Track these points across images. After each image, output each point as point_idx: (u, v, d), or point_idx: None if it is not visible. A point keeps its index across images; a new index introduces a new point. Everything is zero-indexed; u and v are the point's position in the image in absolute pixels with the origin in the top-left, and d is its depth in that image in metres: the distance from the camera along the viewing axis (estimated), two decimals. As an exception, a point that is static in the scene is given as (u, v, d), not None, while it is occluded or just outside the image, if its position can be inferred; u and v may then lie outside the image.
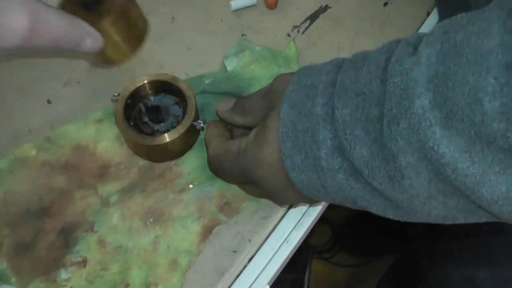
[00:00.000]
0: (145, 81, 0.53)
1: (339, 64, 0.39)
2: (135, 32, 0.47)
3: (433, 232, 0.81)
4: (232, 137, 0.49)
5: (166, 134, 0.51)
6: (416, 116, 0.31)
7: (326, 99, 0.37)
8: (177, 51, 0.60)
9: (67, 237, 0.50)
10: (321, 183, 0.38)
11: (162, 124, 0.53)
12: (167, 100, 0.54)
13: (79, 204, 0.51)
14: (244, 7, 0.63)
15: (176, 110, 0.54)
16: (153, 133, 0.53)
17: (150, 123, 0.53)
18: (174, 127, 0.52)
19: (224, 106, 0.48)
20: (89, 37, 0.43)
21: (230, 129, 0.50)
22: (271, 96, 0.43)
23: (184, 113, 0.53)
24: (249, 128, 0.47)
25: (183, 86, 0.53)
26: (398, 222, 0.39)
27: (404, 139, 0.32)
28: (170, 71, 0.58)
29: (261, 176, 0.42)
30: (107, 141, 0.55)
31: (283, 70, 0.56)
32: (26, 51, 0.41)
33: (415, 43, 0.34)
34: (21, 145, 0.54)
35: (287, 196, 0.43)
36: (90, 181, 0.53)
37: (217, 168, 0.47)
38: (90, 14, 0.44)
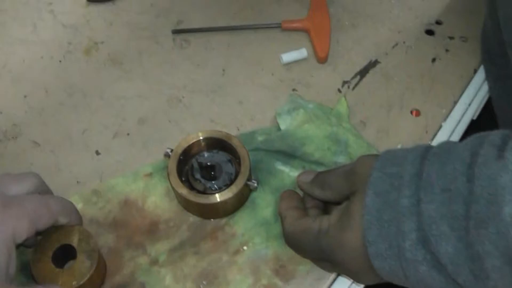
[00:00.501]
0: (199, 138, 0.53)
1: (423, 154, 0.40)
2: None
3: None
4: (305, 208, 0.49)
5: (219, 194, 0.50)
6: (504, 223, 0.32)
7: (412, 191, 0.38)
8: (228, 105, 0.60)
9: (116, 297, 0.49)
10: (404, 272, 0.39)
11: (214, 182, 0.52)
12: (219, 157, 0.53)
13: (127, 264, 0.50)
14: (295, 61, 0.62)
15: (229, 167, 0.53)
16: (205, 190, 0.52)
17: (202, 180, 0.52)
18: (226, 185, 0.51)
19: (305, 177, 0.48)
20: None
21: (303, 198, 0.50)
22: (353, 178, 0.43)
23: (237, 171, 0.52)
24: (325, 202, 0.47)
25: (237, 144, 0.52)
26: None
27: (492, 244, 0.33)
28: (221, 125, 0.58)
29: (342, 259, 0.42)
30: (156, 196, 0.54)
31: (336, 130, 0.56)
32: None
33: (500, 145, 0.35)
34: (68, 197, 0.53)
35: (367, 277, 0.43)
36: (139, 239, 0.51)
37: (295, 244, 0.47)
38: (61, 269, 0.46)
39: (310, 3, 0.67)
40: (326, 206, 0.50)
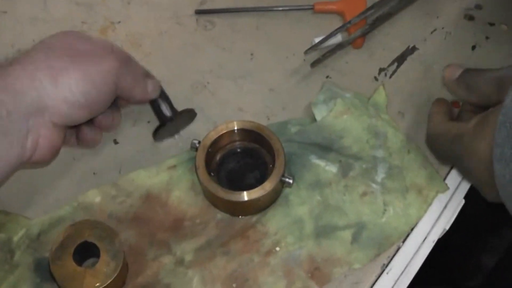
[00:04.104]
0: (229, 129, 0.49)
1: None
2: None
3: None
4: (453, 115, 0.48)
5: (252, 191, 0.46)
6: None
7: None
8: (257, 92, 0.55)
9: (138, 299, 0.45)
10: None
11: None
12: (251, 149, 0.49)
13: (151, 264, 0.46)
14: (328, 45, 0.58)
15: (262, 160, 0.49)
16: None
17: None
18: (258, 180, 0.48)
19: (451, 73, 0.46)
20: (149, 83, 0.47)
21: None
22: (503, 85, 0.40)
23: (269, 163, 0.48)
24: (471, 104, 0.46)
25: (271, 137, 0.48)
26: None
27: None
28: (250, 114, 0.54)
29: (470, 167, 0.41)
30: (181, 191, 0.50)
31: (374, 121, 0.51)
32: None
33: None
34: (85, 192, 0.49)
35: (490, 192, 0.41)
36: (163, 237, 0.47)
37: (432, 145, 0.49)
38: (84, 268, 0.43)
39: (344, -18, 0.63)
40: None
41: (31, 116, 0.38)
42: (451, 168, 0.52)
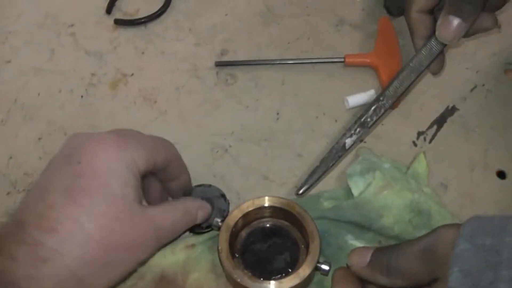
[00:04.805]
0: (256, 207, 0.43)
1: None
2: None
3: None
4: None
5: (284, 280, 0.40)
6: None
7: None
8: (284, 157, 0.50)
9: None
10: None
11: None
12: (280, 227, 0.44)
13: None
14: (362, 104, 0.52)
15: (293, 239, 0.44)
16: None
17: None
18: (289, 262, 0.42)
19: (359, 259, 0.38)
20: (199, 211, 0.43)
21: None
22: (433, 259, 0.34)
23: (300, 243, 0.43)
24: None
25: (303, 216, 0.43)
26: None
27: None
28: (277, 184, 0.48)
29: None
30: (199, 272, 0.44)
31: (417, 197, 0.46)
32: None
33: None
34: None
35: None
36: (179, 328, 0.42)
37: None
38: None
39: (377, 32, 0.57)
40: None
41: None
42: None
